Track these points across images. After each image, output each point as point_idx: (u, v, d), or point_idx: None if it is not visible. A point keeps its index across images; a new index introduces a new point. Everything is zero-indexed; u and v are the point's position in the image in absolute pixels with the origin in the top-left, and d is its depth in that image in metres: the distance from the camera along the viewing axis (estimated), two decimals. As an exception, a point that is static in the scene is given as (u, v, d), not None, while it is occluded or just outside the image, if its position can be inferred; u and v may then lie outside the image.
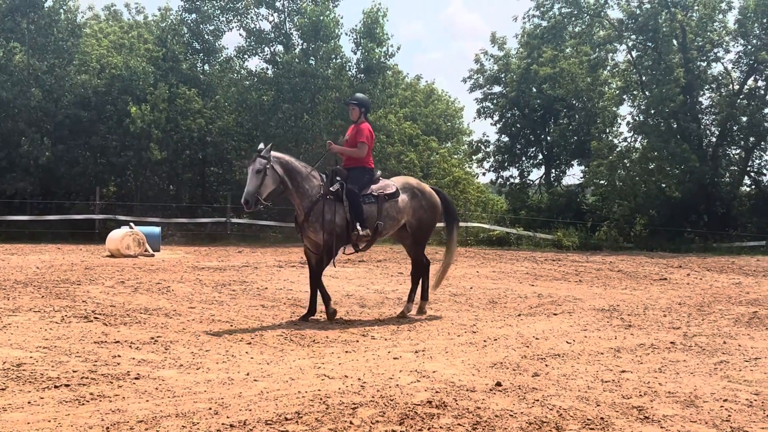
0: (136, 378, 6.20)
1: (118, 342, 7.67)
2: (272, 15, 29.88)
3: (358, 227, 9.66)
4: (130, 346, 7.49)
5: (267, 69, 30.41)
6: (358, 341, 8.18)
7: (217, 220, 27.90)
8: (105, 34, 30.59)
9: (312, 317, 9.64)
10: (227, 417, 5.13)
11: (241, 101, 29.13)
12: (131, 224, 20.47)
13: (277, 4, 29.59)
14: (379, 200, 9.92)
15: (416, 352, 7.54)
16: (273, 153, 9.69)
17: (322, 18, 28.03)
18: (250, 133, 29.39)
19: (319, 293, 9.77)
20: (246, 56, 30.56)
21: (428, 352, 7.54)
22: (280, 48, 29.92)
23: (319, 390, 5.84)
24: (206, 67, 31.83)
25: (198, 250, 21.94)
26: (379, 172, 10.40)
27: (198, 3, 30.06)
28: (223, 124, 29.14)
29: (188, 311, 9.91)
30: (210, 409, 5.31)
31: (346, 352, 7.57)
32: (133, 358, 6.96)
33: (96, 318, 9.02)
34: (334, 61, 28.85)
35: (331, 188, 9.69)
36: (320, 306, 9.74)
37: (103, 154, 28.63)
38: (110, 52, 28.81)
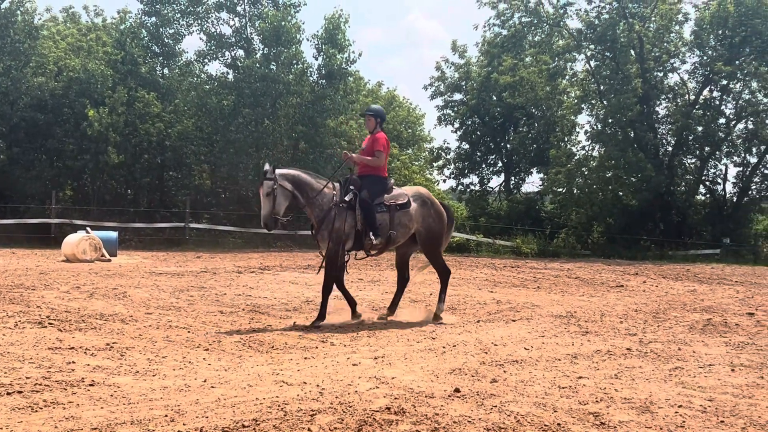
0: (91, 385, 6.11)
1: (72, 348, 7.55)
2: (233, 19, 29.79)
3: (371, 236, 9.92)
4: (85, 353, 7.38)
5: (227, 73, 30.30)
6: (317, 347, 8.15)
7: (176, 225, 27.64)
8: (63, 36, 30.19)
9: (359, 308, 10.33)
10: (183, 424, 5.07)
11: (201, 105, 28.92)
12: (88, 229, 20.22)
13: (238, 8, 29.48)
14: (391, 210, 10.16)
15: (375, 358, 7.53)
16: (278, 171, 9.88)
17: (283, 23, 27.96)
18: (209, 138, 29.22)
19: (323, 300, 10.01)
20: (206, 60, 30.41)
21: (387, 358, 7.54)
22: (240, 53, 29.81)
23: (277, 397, 5.80)
24: (166, 70, 31.56)
25: (156, 255, 21.72)
26: (392, 181, 10.60)
27: (158, 6, 29.79)
28: (183, 128, 28.91)
29: (145, 317, 9.80)
30: (166, 416, 5.24)
31: (305, 358, 7.53)
32: (88, 365, 6.86)
33: (50, 324, 8.88)
34: (295, 66, 28.78)
35: (345, 198, 9.95)
36: (285, 313, 9.67)
37: (59, 157, 28.24)
38: (68, 55, 28.45)
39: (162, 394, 5.89)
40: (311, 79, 29.27)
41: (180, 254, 22.69)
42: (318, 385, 6.19)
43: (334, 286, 10.13)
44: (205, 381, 6.35)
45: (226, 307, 11.17)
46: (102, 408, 5.44)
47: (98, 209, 27.69)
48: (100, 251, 18.95)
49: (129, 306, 10.78)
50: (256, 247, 26.13)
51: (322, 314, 9.87)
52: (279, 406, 5.51)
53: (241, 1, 29.43)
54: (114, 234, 20.98)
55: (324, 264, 10.01)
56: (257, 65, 28.07)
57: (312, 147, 28.48)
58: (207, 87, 29.82)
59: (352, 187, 10.06)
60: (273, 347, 8.08)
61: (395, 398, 5.81)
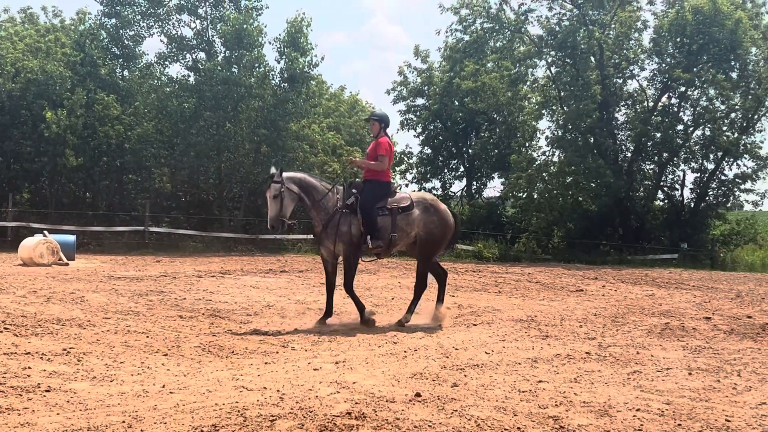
0: (47, 390, 6.01)
1: (28, 353, 7.42)
2: (194, 22, 29.50)
3: (369, 240, 10.27)
4: (41, 358, 7.25)
5: (188, 76, 29.97)
6: (277, 352, 8.11)
7: (135, 228, 27.32)
8: (21, 37, 29.65)
9: (329, 319, 10.44)
10: (141, 430, 5.01)
11: (161, 108, 28.61)
12: (45, 232, 19.91)
13: (200, 11, 29.22)
14: (393, 213, 10.49)
15: (336, 363, 7.52)
16: (285, 174, 10.25)
17: (245, 26, 27.80)
18: (170, 141, 28.93)
19: (352, 301, 10.54)
20: (167, 63, 30.02)
21: (349, 362, 7.53)
22: (202, 55, 29.54)
23: (236, 402, 5.75)
24: (126, 72, 31.18)
25: (114, 260, 21.45)
26: (395, 185, 11.03)
27: (118, 8, 29.43)
28: (143, 131, 28.58)
29: (103, 322, 9.67)
30: (123, 422, 5.18)
31: (266, 363, 7.50)
32: (44, 370, 6.75)
33: (6, 328, 8.71)
34: (257, 69, 28.62)
35: (347, 201, 10.34)
36: (246, 317, 9.59)
37: (16, 159, 27.79)
38: (26, 56, 27.99)
39: (119, 399, 5.83)
40: (273, 82, 29.11)
41: (139, 258, 22.45)
42: (278, 390, 6.15)
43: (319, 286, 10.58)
44: (163, 386, 6.28)
45: (185, 311, 11.07)
46: (58, 414, 5.36)
47: (56, 212, 27.29)
48: (57, 255, 18.67)
49: (86, 311, 10.63)
50: (217, 251, 25.95)
51: (360, 307, 10.39)
52: (239, 411, 5.47)
53: (202, 4, 29.19)
54: (72, 238, 20.69)
55: (345, 265, 10.43)
56: (219, 68, 27.86)
57: (274, 151, 28.32)
58: (168, 89, 29.48)
59: (354, 191, 10.41)
60: (233, 352, 8.03)
61: (356, 403, 5.79)
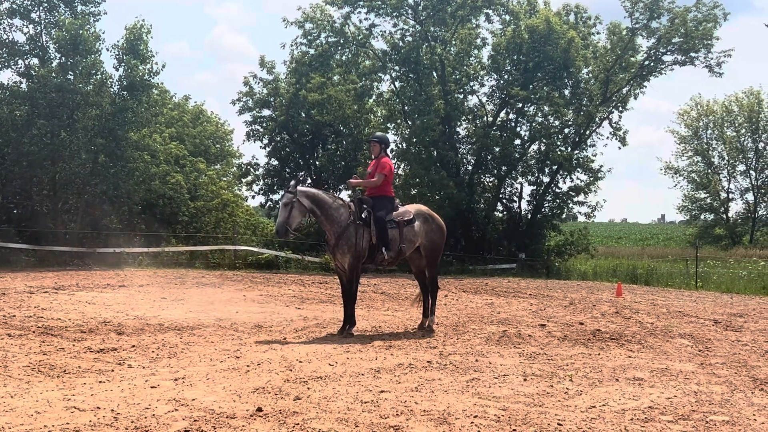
0: None
1: None
2: (27, 26, 28.05)
3: (384, 251, 11.04)
4: None
5: (20, 83, 28.44)
6: (113, 371, 7.79)
7: (-39, 243, 25.64)
8: None
9: (354, 329, 11.05)
10: (-41, 459, 4.68)
11: (-9, 116, 27.04)
12: None
13: (33, 15, 27.79)
14: (400, 225, 11.29)
15: (176, 379, 7.30)
16: (299, 188, 10.91)
17: (81, 32, 26.69)
18: (0, 150, 27.36)
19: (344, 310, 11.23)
20: (-3, 68, 28.43)
21: (188, 379, 7.33)
22: (35, 61, 28.11)
23: (67, 423, 5.49)
24: (-50, 77, 29.33)
25: (-63, 276, 20.04)
26: (397, 200, 11.78)
27: (-59, 9, 27.64)
28: (-31, 139, 26.93)
29: None
30: (-61, 451, 4.83)
31: (100, 382, 7.18)
32: None
33: None
34: (94, 76, 27.53)
35: (362, 215, 11.02)
36: (80, 335, 9.14)
37: None
38: None
39: (-65, 427, 5.43)
40: (112, 90, 28.07)
41: (-35, 274, 21.05)
42: (113, 410, 5.92)
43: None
44: (-14, 410, 5.90)
45: (14, 329, 10.44)
46: None
47: None
48: None
49: None
50: (51, 266, 24.70)
51: (352, 321, 11.06)
52: (68, 434, 5.21)
53: (36, 8, 27.80)
54: None
55: (348, 276, 11.08)
56: (53, 75, 26.62)
57: (113, 161, 27.31)
58: (-3, 97, 27.91)
59: (365, 206, 11.13)
60: (65, 371, 7.65)
61: (195, 420, 5.65)
